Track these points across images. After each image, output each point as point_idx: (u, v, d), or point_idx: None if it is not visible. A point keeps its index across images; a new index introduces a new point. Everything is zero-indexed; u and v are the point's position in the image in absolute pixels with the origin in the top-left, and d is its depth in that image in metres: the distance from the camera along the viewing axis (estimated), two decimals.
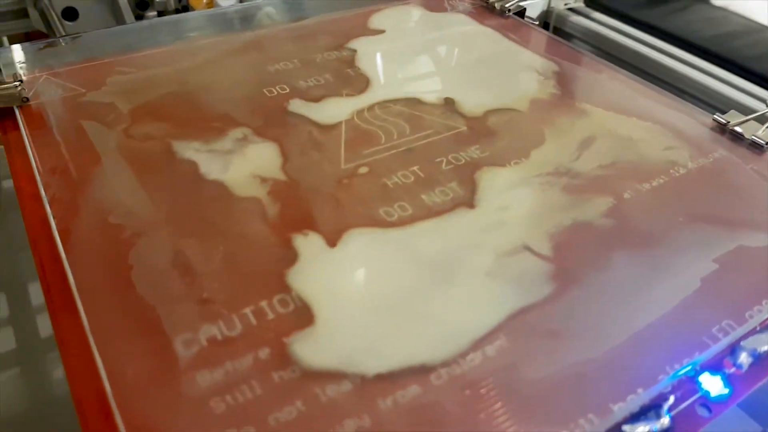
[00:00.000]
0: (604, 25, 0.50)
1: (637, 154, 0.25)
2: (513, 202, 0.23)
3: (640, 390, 0.16)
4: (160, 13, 0.54)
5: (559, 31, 0.53)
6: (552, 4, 0.54)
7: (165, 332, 0.17)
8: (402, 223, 0.22)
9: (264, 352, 0.17)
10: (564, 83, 0.31)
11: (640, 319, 0.18)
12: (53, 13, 0.51)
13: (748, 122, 0.27)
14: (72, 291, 0.18)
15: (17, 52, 0.32)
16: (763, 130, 0.27)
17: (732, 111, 0.28)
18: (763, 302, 0.18)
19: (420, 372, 0.16)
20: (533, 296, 0.19)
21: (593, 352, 0.17)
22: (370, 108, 0.29)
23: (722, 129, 0.27)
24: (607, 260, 0.20)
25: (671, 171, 0.24)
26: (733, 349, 0.17)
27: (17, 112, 0.27)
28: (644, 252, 0.20)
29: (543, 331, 0.18)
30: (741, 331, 0.18)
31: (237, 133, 0.26)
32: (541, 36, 0.37)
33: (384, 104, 0.29)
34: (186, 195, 0.23)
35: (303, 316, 0.18)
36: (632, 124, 0.27)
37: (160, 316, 0.17)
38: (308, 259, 0.20)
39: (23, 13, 0.52)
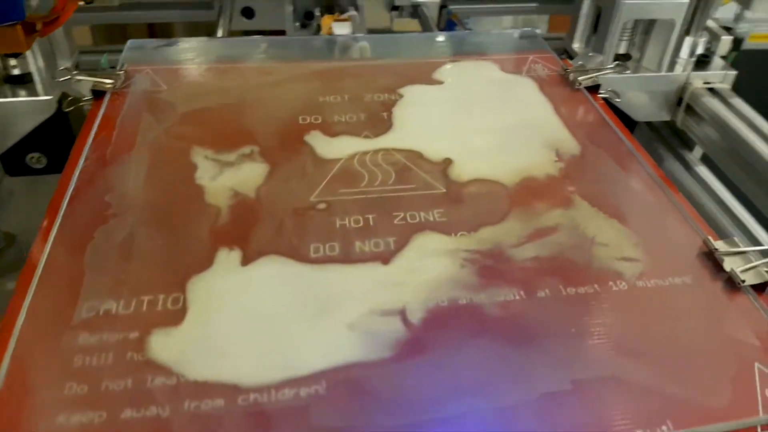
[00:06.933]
0: (739, 116, 0.45)
1: (587, 256, 0.25)
2: (425, 269, 0.24)
3: None
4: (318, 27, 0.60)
5: (690, 110, 0.50)
6: (690, 80, 0.51)
7: (80, 294, 0.22)
8: (320, 261, 0.24)
9: (133, 334, 0.21)
10: (573, 169, 0.30)
11: (448, 407, 0.19)
12: (231, 11, 0.61)
13: (741, 255, 0.25)
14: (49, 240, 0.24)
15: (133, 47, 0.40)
16: (747, 268, 0.24)
17: (733, 238, 0.26)
18: None
19: (231, 390, 0.19)
20: (372, 355, 0.20)
21: (387, 422, 0.18)
22: (375, 152, 0.31)
23: (710, 255, 0.25)
24: (464, 345, 0.21)
25: (610, 283, 0.24)
26: None
27: (107, 96, 0.34)
28: (505, 348, 0.21)
29: (358, 389, 0.19)
30: None
31: (246, 149, 0.31)
32: (595, 115, 0.36)
33: (389, 151, 0.31)
34: (171, 192, 0.27)
35: (179, 316, 0.21)
36: (607, 225, 0.26)
37: (84, 282, 0.22)
38: (216, 271, 0.23)
39: (207, 5, 0.62)
